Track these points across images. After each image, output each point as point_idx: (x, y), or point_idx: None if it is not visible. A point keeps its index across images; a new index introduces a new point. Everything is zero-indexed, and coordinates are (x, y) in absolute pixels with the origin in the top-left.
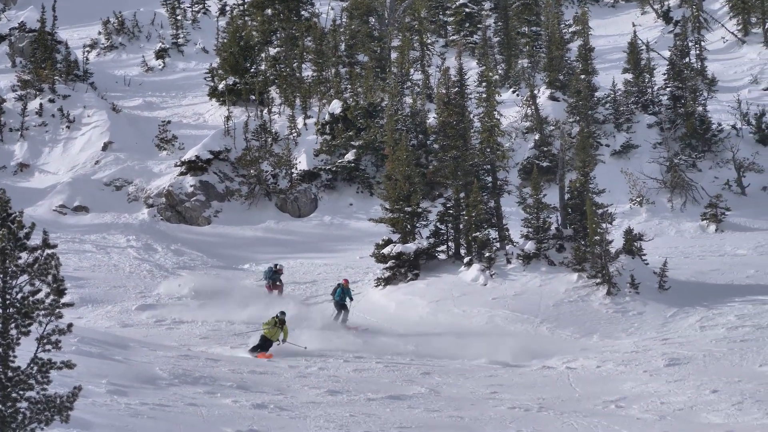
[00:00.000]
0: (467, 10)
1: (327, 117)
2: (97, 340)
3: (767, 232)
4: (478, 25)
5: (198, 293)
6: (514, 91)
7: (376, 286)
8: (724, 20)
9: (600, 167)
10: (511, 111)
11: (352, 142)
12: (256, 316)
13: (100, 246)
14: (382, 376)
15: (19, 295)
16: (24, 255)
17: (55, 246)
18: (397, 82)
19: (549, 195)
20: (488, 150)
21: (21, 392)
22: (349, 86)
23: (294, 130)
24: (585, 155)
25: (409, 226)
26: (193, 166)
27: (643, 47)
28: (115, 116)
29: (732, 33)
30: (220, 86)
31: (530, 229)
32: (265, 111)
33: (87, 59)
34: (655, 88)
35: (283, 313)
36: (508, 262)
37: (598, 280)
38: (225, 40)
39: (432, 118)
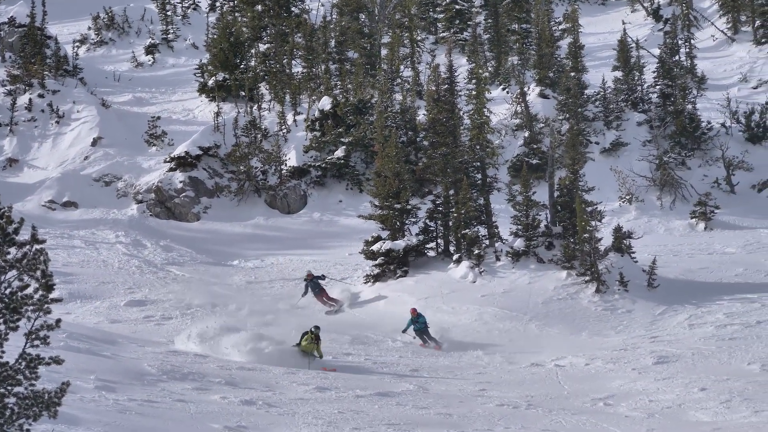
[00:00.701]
0: (457, 7)
1: (317, 113)
2: (85, 335)
3: (756, 231)
4: (468, 22)
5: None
6: (504, 89)
7: (365, 283)
8: (714, 18)
9: (589, 165)
10: (500, 108)
11: (342, 139)
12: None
13: (89, 242)
14: (370, 373)
15: (8, 291)
16: (12, 250)
17: (43, 241)
18: (387, 79)
19: (538, 192)
20: (478, 147)
21: (9, 388)
22: (338, 83)
23: (284, 127)
24: (574, 153)
25: (398, 223)
26: (183, 162)
27: (633, 45)
28: (105, 112)
29: (722, 31)
30: (210, 82)
31: (519, 227)
32: (255, 107)
33: (77, 54)
34: (645, 85)
35: (317, 327)
36: (498, 259)
37: (587, 278)
38: (215, 36)
39: (422, 115)
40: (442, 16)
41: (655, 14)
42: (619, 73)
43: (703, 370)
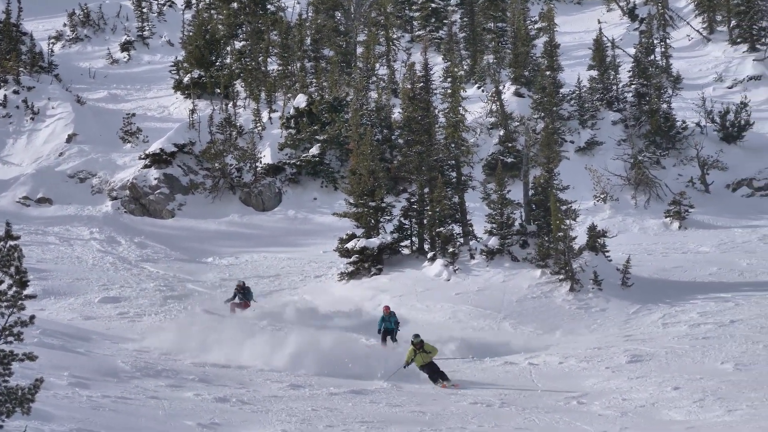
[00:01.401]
0: (433, 5)
1: (292, 111)
2: (59, 332)
3: (730, 230)
4: (444, 21)
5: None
6: (479, 87)
7: (339, 281)
8: (690, 18)
9: (564, 163)
10: (476, 107)
11: (317, 137)
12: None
13: (63, 238)
14: (344, 371)
15: None
16: None
17: (17, 237)
18: (363, 77)
19: (513, 191)
20: (453, 145)
21: None
22: (314, 80)
23: (259, 124)
24: (549, 151)
25: (373, 221)
26: (158, 159)
27: (609, 44)
28: (80, 108)
29: (697, 31)
30: (185, 79)
31: (494, 225)
32: (230, 104)
33: (52, 51)
34: (620, 85)
35: (416, 336)
36: (472, 257)
37: (562, 277)
38: (190, 34)
39: (397, 113)
40: (417, 14)
41: (631, 14)
42: (594, 73)
43: (676, 369)
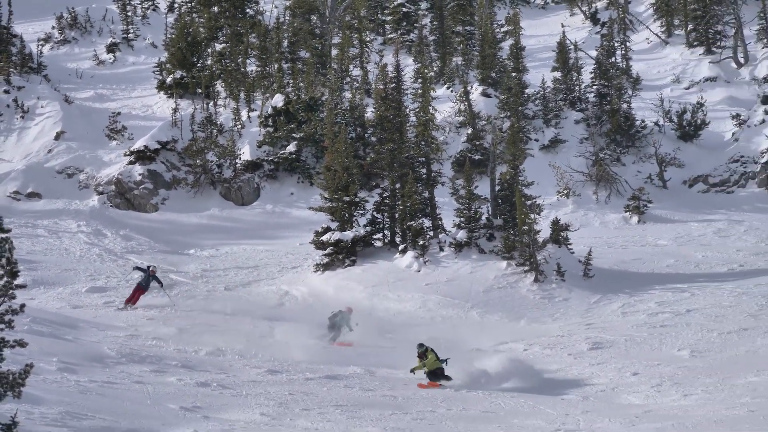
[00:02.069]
0: (404, 9)
1: (270, 110)
2: (48, 320)
3: (687, 224)
4: (415, 24)
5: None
6: (448, 88)
7: (315, 272)
8: (649, 22)
9: (529, 160)
10: (445, 106)
11: (294, 135)
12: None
13: (52, 231)
14: (319, 357)
15: None
16: None
17: (8, 230)
18: (337, 78)
19: (480, 186)
20: (423, 143)
21: None
22: (291, 81)
23: (238, 123)
24: (515, 149)
25: (347, 215)
26: (142, 156)
27: (572, 47)
28: (68, 107)
29: (656, 34)
30: (168, 80)
31: (462, 219)
32: (211, 104)
33: (41, 52)
34: (583, 86)
35: (420, 345)
36: (441, 249)
37: (526, 268)
38: (173, 36)
39: (370, 112)
40: (389, 18)
41: (593, 18)
42: (558, 74)
43: (635, 356)
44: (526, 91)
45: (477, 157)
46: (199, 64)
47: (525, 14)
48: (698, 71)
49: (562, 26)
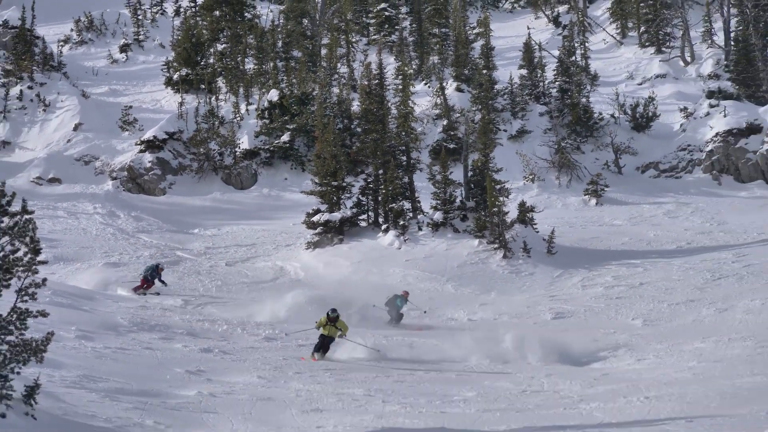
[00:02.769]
0: (387, 13)
1: (266, 104)
2: (67, 292)
3: (640, 206)
4: (396, 27)
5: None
6: (425, 83)
7: (306, 249)
8: (606, 25)
9: (498, 149)
10: (423, 100)
11: (287, 126)
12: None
13: (71, 212)
14: (311, 327)
15: (1, 254)
16: (5, 219)
17: (32, 212)
18: (326, 75)
19: (455, 172)
20: (403, 133)
21: (2, 337)
22: (284, 78)
23: (238, 115)
24: (486, 139)
25: (335, 198)
26: (151, 145)
27: (536, 47)
28: (85, 101)
29: (612, 36)
30: (175, 77)
31: (438, 202)
32: (213, 98)
33: (61, 52)
34: (546, 82)
35: (333, 310)
36: (419, 229)
37: (496, 246)
38: (179, 37)
39: (355, 106)
40: (373, 21)
41: (555, 21)
42: (524, 71)
43: (593, 325)
44: (496, 86)
45: (452, 146)
46: (202, 63)
47: (494, 17)
48: (650, 69)
49: (528, 28)
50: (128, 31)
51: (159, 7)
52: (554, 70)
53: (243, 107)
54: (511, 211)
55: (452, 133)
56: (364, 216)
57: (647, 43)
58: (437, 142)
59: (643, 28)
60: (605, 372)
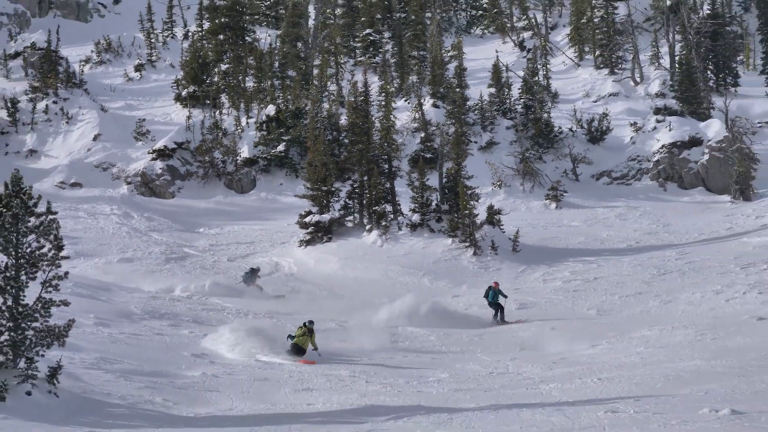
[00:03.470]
0: (371, 38)
1: (264, 117)
2: (87, 284)
3: (594, 209)
4: (380, 50)
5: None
6: (405, 100)
7: (299, 247)
8: (565, 49)
9: (470, 159)
10: (403, 115)
11: (283, 137)
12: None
13: (90, 213)
14: (301, 313)
15: (28, 250)
16: (32, 219)
17: (56, 213)
18: (318, 92)
19: (431, 179)
20: (385, 144)
21: (29, 323)
22: (281, 94)
23: (239, 127)
24: (458, 149)
25: (325, 201)
26: (162, 154)
27: (504, 68)
28: (103, 115)
29: (570, 58)
30: (183, 93)
31: (416, 205)
32: (217, 112)
33: (82, 71)
34: (512, 99)
35: (311, 322)
36: (399, 229)
37: (467, 244)
38: (187, 58)
39: (343, 120)
40: (360, 44)
41: (521, 45)
42: (492, 90)
43: (553, 314)
44: (468, 103)
45: (428, 156)
46: (207, 81)
47: (467, 42)
48: (604, 88)
49: (496, 52)
50: (142, 53)
51: (170, 32)
52: (519, 89)
53: (243, 120)
54: (481, 213)
55: (429, 144)
56: (351, 217)
57: (602, 65)
58: (415, 152)
59: (598, 52)
60: (563, 356)
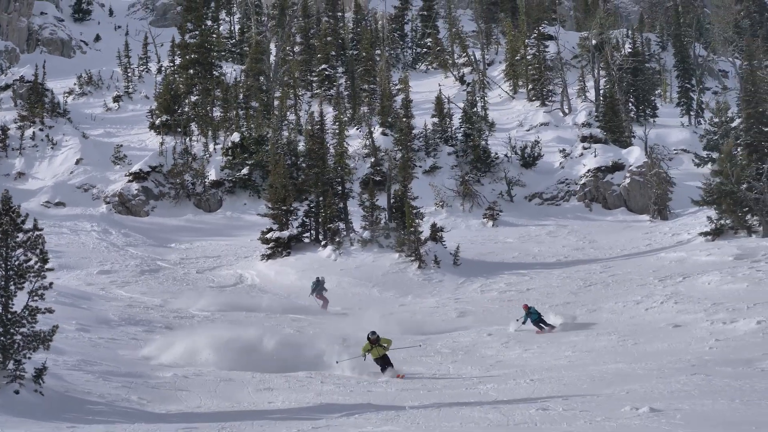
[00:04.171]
0: (327, 72)
1: (230, 144)
2: (69, 294)
3: (527, 227)
4: (334, 83)
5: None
6: (357, 128)
7: (261, 260)
8: (501, 83)
9: (415, 181)
10: (355, 142)
11: (247, 162)
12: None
13: (73, 230)
14: (265, 322)
15: (17, 262)
16: (20, 235)
17: (41, 229)
18: (278, 121)
19: (380, 199)
20: (339, 168)
21: (17, 329)
22: (245, 123)
23: (207, 153)
24: (405, 173)
25: (284, 219)
26: (138, 176)
27: (446, 100)
28: (85, 141)
29: (506, 91)
30: (157, 122)
31: (367, 223)
32: (188, 139)
33: (66, 102)
34: (453, 128)
35: (373, 333)
36: (352, 244)
37: (413, 258)
38: (161, 90)
39: (301, 146)
40: (316, 78)
41: (461, 79)
42: (435, 119)
43: (490, 322)
44: (413, 131)
45: (378, 179)
46: (179, 111)
47: (412, 76)
48: (536, 118)
49: (439, 85)
50: (120, 86)
51: (145, 66)
52: (460, 119)
53: (211, 146)
54: (425, 230)
55: (378, 168)
56: (308, 234)
57: (534, 98)
58: (366, 176)
59: (530, 86)
60: (498, 359)
